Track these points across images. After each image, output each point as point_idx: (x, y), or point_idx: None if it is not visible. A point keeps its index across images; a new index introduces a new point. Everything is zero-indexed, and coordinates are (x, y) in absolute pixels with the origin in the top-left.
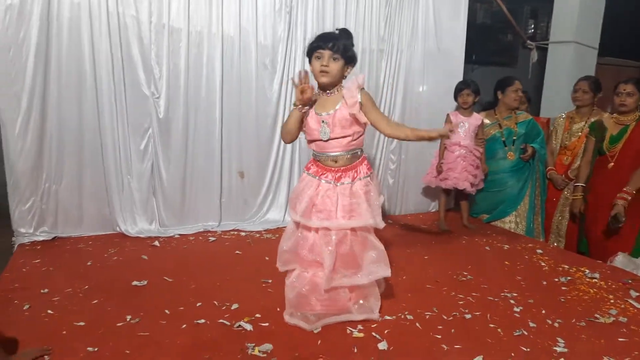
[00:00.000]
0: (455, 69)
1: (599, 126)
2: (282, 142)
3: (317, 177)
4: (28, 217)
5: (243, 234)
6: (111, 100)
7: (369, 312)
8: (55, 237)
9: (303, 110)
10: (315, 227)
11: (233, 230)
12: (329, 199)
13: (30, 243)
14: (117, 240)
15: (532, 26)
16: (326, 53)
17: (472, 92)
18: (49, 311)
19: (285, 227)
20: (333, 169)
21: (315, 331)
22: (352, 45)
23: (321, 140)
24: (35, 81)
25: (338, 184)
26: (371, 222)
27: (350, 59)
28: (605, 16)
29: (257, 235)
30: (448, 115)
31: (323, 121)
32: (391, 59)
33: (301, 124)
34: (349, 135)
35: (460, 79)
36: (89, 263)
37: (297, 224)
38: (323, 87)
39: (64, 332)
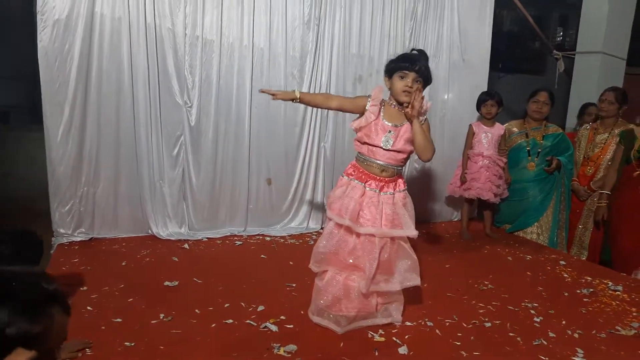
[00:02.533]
0: (480, 80)
1: (628, 135)
2: (309, 151)
3: (362, 184)
4: (67, 218)
5: (268, 238)
6: (147, 109)
7: (392, 317)
8: (92, 238)
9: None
10: (362, 232)
11: (258, 235)
12: (374, 206)
13: (69, 243)
14: (149, 242)
15: (561, 34)
16: (411, 75)
17: (496, 103)
18: (89, 307)
19: (308, 233)
20: (378, 177)
21: (341, 333)
22: (429, 67)
23: (380, 147)
24: (77, 91)
25: (382, 193)
26: (414, 233)
27: (429, 81)
28: (634, 25)
29: (282, 240)
30: (471, 126)
31: (390, 131)
32: None
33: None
34: (406, 152)
35: (485, 89)
36: (123, 263)
37: (339, 227)
38: (399, 102)
39: (103, 328)
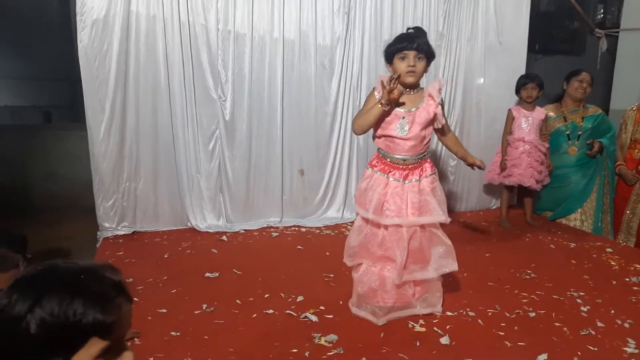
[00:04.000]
0: (518, 63)
1: None
2: (341, 141)
3: (385, 175)
4: (111, 213)
5: (304, 229)
6: (183, 105)
7: (432, 307)
8: (135, 231)
9: (386, 109)
10: (388, 224)
11: (294, 226)
12: (398, 196)
13: (113, 237)
14: (188, 235)
15: (602, 11)
16: (411, 54)
17: (537, 86)
18: (135, 298)
19: (343, 223)
20: (401, 166)
21: (380, 324)
22: (428, 41)
23: (395, 137)
24: (116, 89)
25: (406, 182)
26: (442, 218)
27: (432, 56)
28: None
29: (317, 231)
30: (510, 110)
31: (403, 117)
32: (450, 54)
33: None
34: (424, 137)
35: (523, 72)
36: (165, 255)
37: (366, 220)
38: (406, 86)
39: (149, 318)
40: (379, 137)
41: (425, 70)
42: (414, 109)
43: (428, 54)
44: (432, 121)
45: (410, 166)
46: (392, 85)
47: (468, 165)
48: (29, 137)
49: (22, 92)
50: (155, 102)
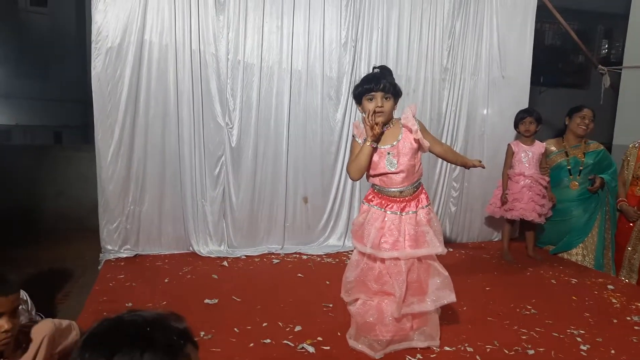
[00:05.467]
0: (521, 96)
1: None
2: (344, 170)
3: (382, 209)
4: (114, 235)
5: (305, 257)
6: (191, 132)
7: (430, 340)
8: (137, 254)
9: (374, 146)
10: (386, 257)
11: (295, 253)
12: (396, 228)
13: (115, 259)
14: (190, 259)
15: (606, 46)
16: (379, 94)
17: (535, 120)
18: None
19: (344, 252)
20: (398, 199)
21: (377, 358)
22: (394, 80)
23: (387, 173)
24: (126, 114)
25: (403, 214)
26: (440, 249)
27: (398, 95)
28: None
29: (318, 259)
30: (510, 145)
31: (388, 153)
32: (454, 87)
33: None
34: (414, 165)
35: (526, 105)
36: (166, 280)
37: (363, 255)
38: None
39: None
40: (373, 176)
41: (393, 108)
42: (395, 142)
43: (394, 93)
44: (417, 149)
45: (407, 198)
46: (372, 121)
47: (469, 168)
48: (40, 156)
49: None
50: (163, 128)
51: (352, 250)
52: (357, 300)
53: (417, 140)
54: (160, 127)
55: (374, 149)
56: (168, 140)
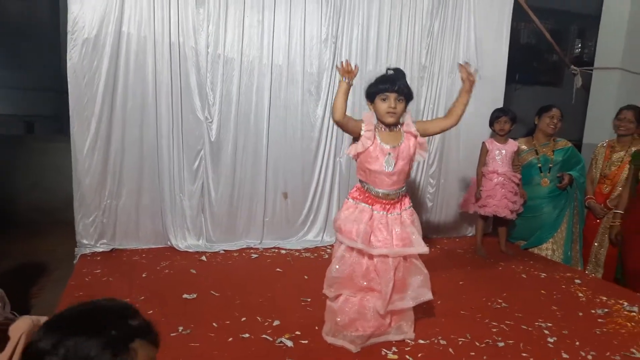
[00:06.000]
0: (497, 95)
1: (639, 154)
2: (324, 166)
3: (370, 207)
4: (90, 229)
5: (283, 251)
6: (169, 125)
7: (405, 333)
8: (113, 249)
9: (351, 84)
10: (375, 254)
11: (274, 247)
12: (384, 227)
13: (91, 254)
14: (168, 254)
15: (579, 46)
16: (392, 96)
17: (509, 120)
18: None
19: (322, 246)
20: (383, 201)
21: (355, 352)
22: (407, 83)
23: (382, 171)
24: (103, 106)
25: (389, 215)
26: (425, 249)
27: (411, 97)
28: None
29: (297, 253)
30: (484, 143)
31: (389, 153)
32: (432, 85)
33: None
34: (406, 172)
35: (502, 104)
36: (144, 275)
37: (351, 250)
38: (386, 125)
39: None
40: (364, 171)
41: (404, 110)
42: (397, 145)
43: (407, 96)
44: (413, 155)
45: (391, 201)
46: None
47: (470, 88)
48: (12, 146)
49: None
50: (141, 121)
51: (331, 245)
52: (339, 296)
53: (421, 144)
54: (139, 120)
55: (373, 147)
56: (146, 133)
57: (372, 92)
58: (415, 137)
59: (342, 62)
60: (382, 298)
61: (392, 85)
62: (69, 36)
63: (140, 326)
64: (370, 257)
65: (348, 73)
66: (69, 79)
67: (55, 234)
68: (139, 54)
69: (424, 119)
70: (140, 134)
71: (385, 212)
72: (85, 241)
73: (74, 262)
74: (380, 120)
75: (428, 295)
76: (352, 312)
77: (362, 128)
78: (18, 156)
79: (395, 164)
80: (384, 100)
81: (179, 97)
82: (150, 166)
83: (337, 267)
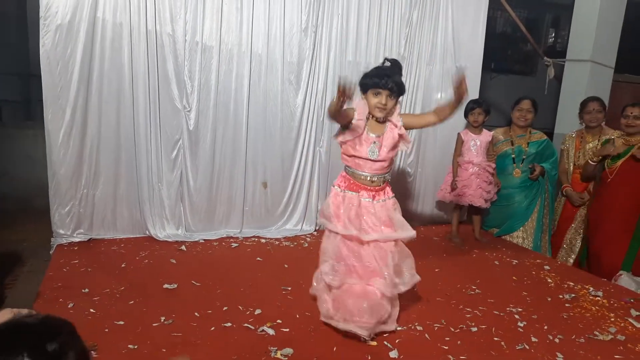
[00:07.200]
0: (472, 85)
1: (607, 143)
2: (304, 155)
3: (356, 193)
4: (67, 219)
5: (263, 240)
6: (146, 114)
7: (394, 323)
8: (90, 239)
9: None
10: (368, 240)
11: (254, 237)
12: (372, 214)
13: (68, 244)
14: (146, 244)
15: (553, 35)
16: (385, 92)
17: (483, 112)
18: (91, 310)
19: (302, 235)
20: (369, 187)
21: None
22: (401, 79)
23: (367, 159)
24: (78, 94)
25: (375, 202)
26: (413, 233)
27: (402, 94)
28: (623, 32)
29: (277, 242)
30: (459, 134)
31: (374, 142)
32: (410, 76)
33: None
34: (391, 159)
35: (477, 94)
36: (123, 265)
37: (344, 238)
38: (376, 117)
39: (107, 330)
40: (350, 156)
41: (394, 106)
42: (381, 134)
43: (399, 93)
44: (397, 144)
45: (376, 188)
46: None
47: (462, 96)
48: None
49: None
50: (118, 109)
51: (310, 234)
52: (342, 285)
53: (400, 135)
54: (115, 108)
55: (359, 135)
56: (123, 122)
57: (366, 85)
58: (397, 126)
59: (345, 86)
60: (386, 282)
61: (386, 83)
62: (41, 22)
63: (56, 351)
64: (362, 243)
65: (345, 96)
66: (42, 66)
67: (26, 223)
68: (115, 41)
69: (404, 110)
70: (116, 122)
71: (371, 200)
72: (61, 231)
73: (50, 252)
74: (370, 111)
75: (416, 278)
76: (357, 298)
77: (354, 117)
78: None
79: (379, 152)
80: (376, 94)
81: (156, 85)
82: (128, 155)
83: (334, 256)
